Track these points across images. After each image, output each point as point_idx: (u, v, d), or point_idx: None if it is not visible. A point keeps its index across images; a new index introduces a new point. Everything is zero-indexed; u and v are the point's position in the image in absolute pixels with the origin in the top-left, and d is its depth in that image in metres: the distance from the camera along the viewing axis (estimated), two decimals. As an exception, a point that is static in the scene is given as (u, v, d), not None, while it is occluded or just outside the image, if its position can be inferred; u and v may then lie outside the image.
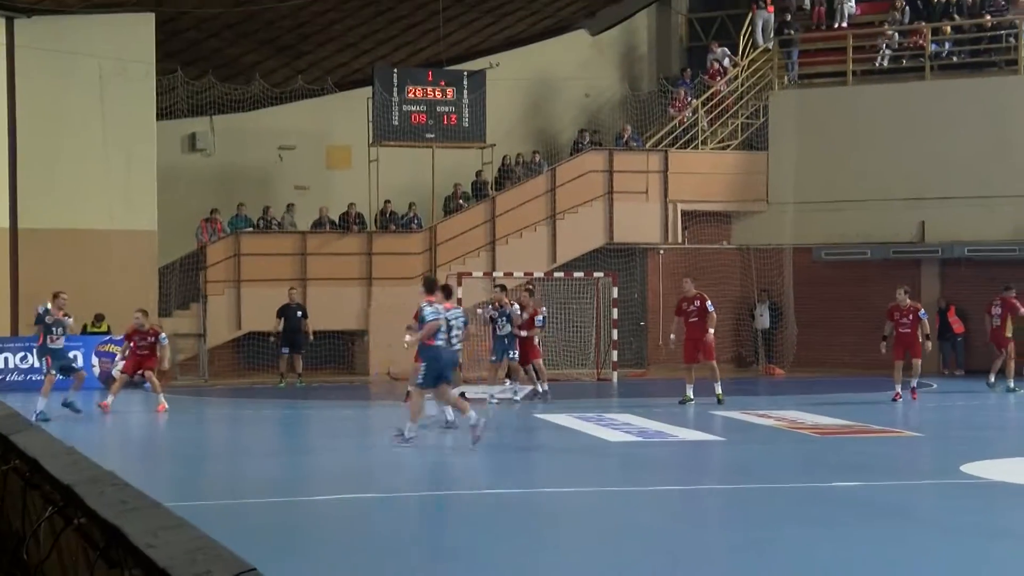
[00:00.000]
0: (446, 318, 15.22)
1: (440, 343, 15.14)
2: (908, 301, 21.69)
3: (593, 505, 11.65)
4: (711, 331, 20.68)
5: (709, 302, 20.89)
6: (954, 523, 10.58)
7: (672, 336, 21.40)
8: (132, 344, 20.34)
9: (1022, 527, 10.44)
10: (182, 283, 27.69)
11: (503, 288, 22.68)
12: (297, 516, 10.95)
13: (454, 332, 15.49)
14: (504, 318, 21.32)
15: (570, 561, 9.20)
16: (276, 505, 11.46)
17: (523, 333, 21.60)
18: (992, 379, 23.32)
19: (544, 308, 23.52)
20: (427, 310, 15.15)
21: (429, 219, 28.94)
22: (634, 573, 8.85)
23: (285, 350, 25.72)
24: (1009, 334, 23.33)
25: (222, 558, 2.95)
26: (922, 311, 21.79)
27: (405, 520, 10.79)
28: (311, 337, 26.15)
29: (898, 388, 21.35)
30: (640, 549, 9.60)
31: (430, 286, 15.84)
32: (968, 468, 13.31)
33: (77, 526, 3.67)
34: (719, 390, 20.52)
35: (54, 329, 19.36)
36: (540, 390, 21.96)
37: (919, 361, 21.42)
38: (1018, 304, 23.38)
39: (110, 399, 19.75)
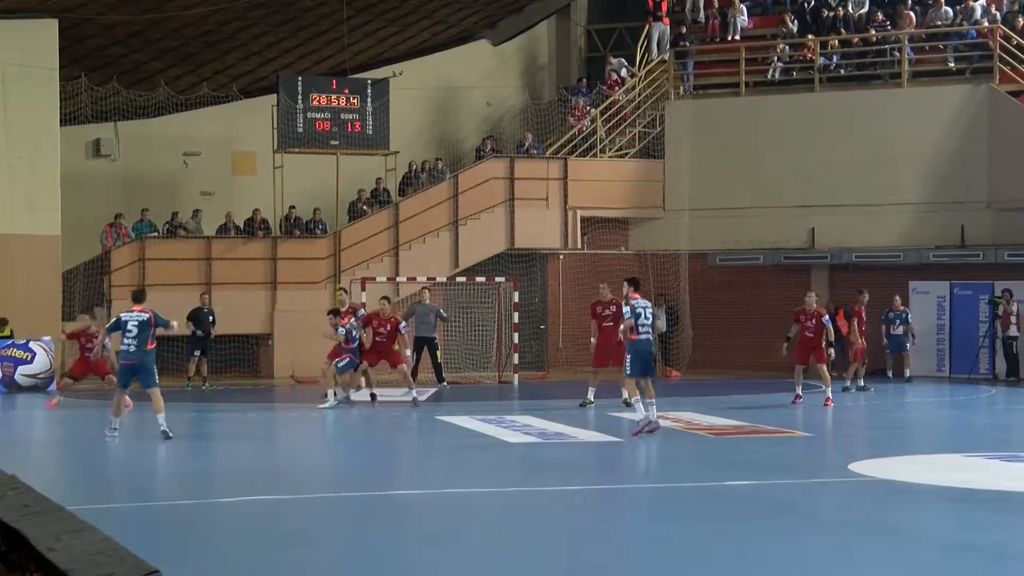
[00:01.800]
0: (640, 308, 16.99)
1: (643, 335, 16.91)
2: (815, 305, 21.85)
3: (493, 505, 11.67)
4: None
5: (624, 307, 20.57)
6: (841, 519, 10.77)
7: (593, 339, 20.98)
8: (79, 346, 20.84)
9: (904, 522, 10.66)
10: (86, 288, 27.26)
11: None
12: (205, 517, 10.83)
13: (641, 320, 16.98)
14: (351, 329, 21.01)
15: (467, 561, 9.21)
16: (182, 507, 11.33)
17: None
18: (848, 383, 24.18)
19: (404, 323, 22.92)
20: (626, 308, 17.11)
21: (334, 225, 28.81)
22: (532, 573, 8.88)
23: (196, 353, 25.44)
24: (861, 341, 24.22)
25: (125, 561, 2.92)
26: (826, 317, 21.91)
27: (307, 521, 10.73)
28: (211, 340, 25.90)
29: (798, 390, 21.53)
30: (540, 549, 9.64)
31: (635, 284, 17.86)
32: (856, 467, 13.56)
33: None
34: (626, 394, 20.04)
35: None
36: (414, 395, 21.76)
37: (824, 367, 21.52)
38: (861, 310, 24.44)
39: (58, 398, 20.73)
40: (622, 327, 17.28)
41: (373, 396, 21.37)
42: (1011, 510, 11.25)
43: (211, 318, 25.52)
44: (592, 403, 20.44)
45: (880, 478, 12.94)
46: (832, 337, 21.87)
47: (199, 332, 25.28)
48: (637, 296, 17.42)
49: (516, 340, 27.08)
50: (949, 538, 9.88)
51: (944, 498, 11.90)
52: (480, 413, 19.58)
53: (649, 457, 15.38)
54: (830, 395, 21.31)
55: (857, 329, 24.14)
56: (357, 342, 21.18)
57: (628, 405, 19.48)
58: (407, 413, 20.34)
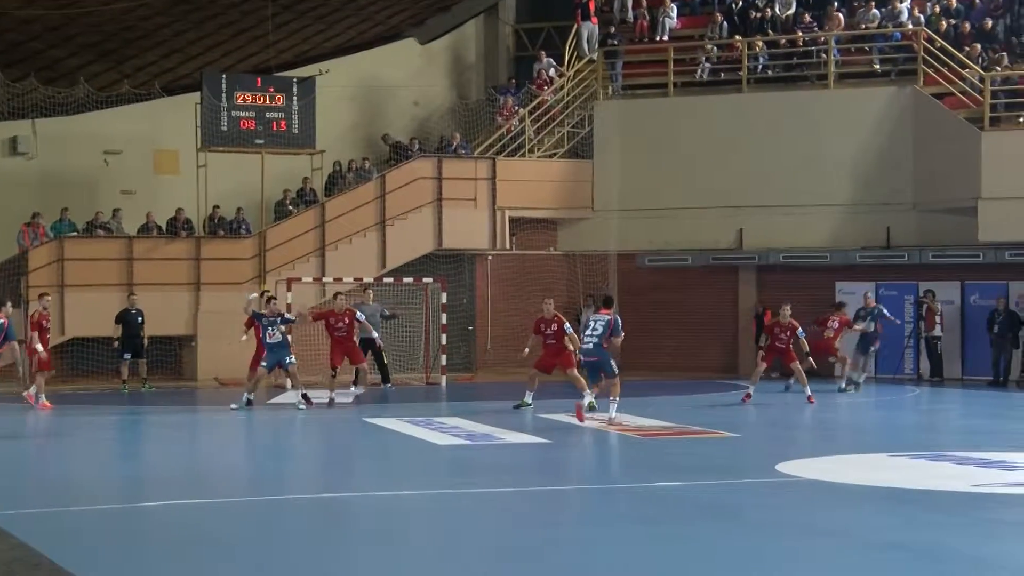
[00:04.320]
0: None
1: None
2: (789, 319, 22.28)
3: (421, 508, 11.62)
4: (578, 351, 19.98)
5: (567, 324, 20.51)
6: (769, 519, 10.84)
7: (526, 350, 20.80)
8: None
9: (833, 522, 10.75)
10: (2, 288, 26.78)
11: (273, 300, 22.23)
12: (125, 523, 10.67)
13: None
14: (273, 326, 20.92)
15: (395, 564, 9.16)
16: (102, 512, 11.15)
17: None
18: (843, 384, 24.29)
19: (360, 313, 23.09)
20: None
21: (259, 224, 28.56)
22: (457, 574, 8.85)
23: (127, 355, 25.11)
24: (838, 344, 24.42)
25: (41, 567, 2.85)
26: (800, 330, 22.31)
27: (229, 526, 10.61)
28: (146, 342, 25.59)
29: (750, 389, 21.90)
30: (467, 552, 9.61)
31: (608, 302, 20.08)
32: (783, 467, 13.66)
33: None
34: (590, 399, 19.37)
35: None
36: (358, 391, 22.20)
37: (797, 364, 22.02)
38: (849, 319, 24.55)
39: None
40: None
41: (306, 397, 21.05)
42: (938, 509, 11.38)
43: (140, 319, 25.22)
44: (529, 405, 20.43)
45: (807, 478, 13.05)
46: (807, 348, 22.52)
47: (127, 334, 24.99)
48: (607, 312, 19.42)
49: (444, 341, 27.02)
50: (878, 538, 9.98)
51: (871, 497, 12.02)
52: (408, 415, 19.50)
53: (579, 459, 15.38)
54: (810, 393, 21.84)
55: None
56: (281, 339, 20.93)
57: (593, 409, 19.35)
58: (335, 416, 20.21)
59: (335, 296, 22.97)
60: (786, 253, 28.64)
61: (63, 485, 13.15)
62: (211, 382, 26.43)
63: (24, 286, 26.54)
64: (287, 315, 21.71)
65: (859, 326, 24.67)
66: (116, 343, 25.15)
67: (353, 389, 22.85)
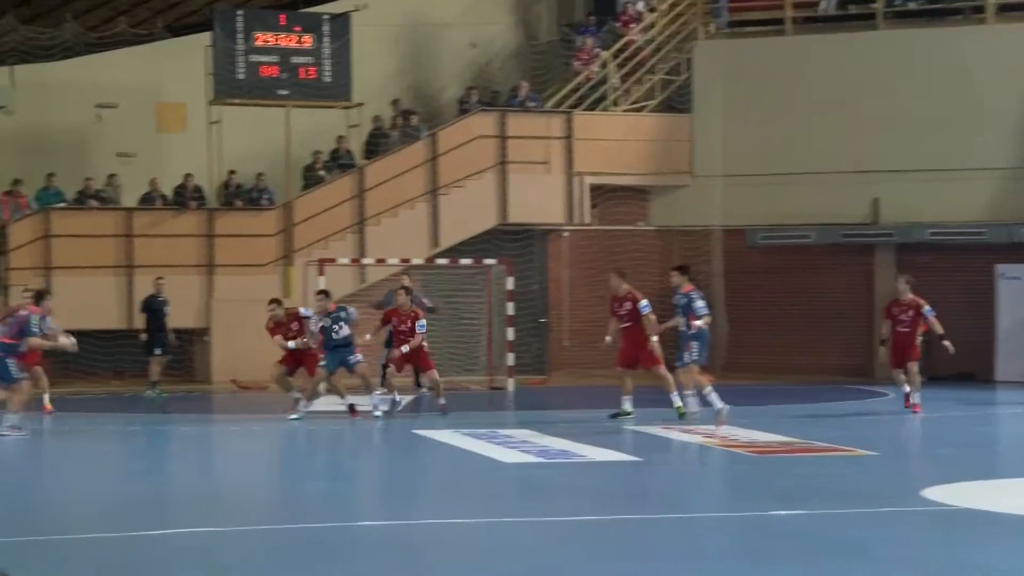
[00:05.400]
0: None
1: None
2: (910, 295, 21.85)
3: (482, 539, 11.61)
4: (654, 339, 20.30)
5: (643, 302, 20.48)
6: (912, 558, 10.70)
7: (608, 338, 21.03)
8: None
9: (991, 562, 10.60)
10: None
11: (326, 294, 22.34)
12: (127, 553, 10.77)
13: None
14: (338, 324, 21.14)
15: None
16: (98, 541, 11.26)
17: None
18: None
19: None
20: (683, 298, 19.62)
21: (283, 194, 28.71)
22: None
23: (158, 351, 25.38)
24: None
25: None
26: (926, 307, 21.76)
27: (247, 558, 10.65)
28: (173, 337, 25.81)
29: (906, 392, 21.62)
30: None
31: (685, 271, 20.22)
32: (930, 493, 13.51)
33: None
34: (678, 402, 20.00)
35: None
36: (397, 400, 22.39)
37: (915, 365, 21.62)
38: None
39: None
40: (699, 322, 19.51)
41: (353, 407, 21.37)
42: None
43: (166, 309, 25.47)
44: (630, 414, 20.46)
45: (961, 507, 12.89)
46: (940, 330, 21.71)
47: (152, 326, 25.29)
48: (691, 288, 19.72)
49: (511, 337, 27.02)
50: (1050, 581, 9.83)
51: (1042, 532, 11.86)
52: (467, 427, 19.55)
53: (675, 481, 15.32)
54: (918, 400, 21.48)
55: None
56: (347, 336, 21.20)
57: (682, 417, 19.58)
58: (379, 428, 20.32)
59: (400, 291, 22.83)
60: (933, 228, 28.40)
61: (57, 510, 13.29)
62: (228, 385, 26.60)
63: (3, 268, 26.85)
64: (351, 309, 21.82)
65: None
66: (142, 336, 25.40)
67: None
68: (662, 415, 20.74)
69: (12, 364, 18.87)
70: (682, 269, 20.54)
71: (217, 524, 12.14)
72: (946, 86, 28.66)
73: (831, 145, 29.08)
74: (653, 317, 20.52)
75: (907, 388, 21.62)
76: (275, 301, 22.30)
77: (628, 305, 20.51)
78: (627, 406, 20.54)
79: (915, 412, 21.30)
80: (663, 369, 20.24)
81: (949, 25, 29.40)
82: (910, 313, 21.69)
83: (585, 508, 13.18)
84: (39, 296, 20.32)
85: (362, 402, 21.42)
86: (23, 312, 19.10)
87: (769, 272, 29.75)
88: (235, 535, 11.69)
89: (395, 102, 30.89)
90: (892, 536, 11.68)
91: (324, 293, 22.01)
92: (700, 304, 19.49)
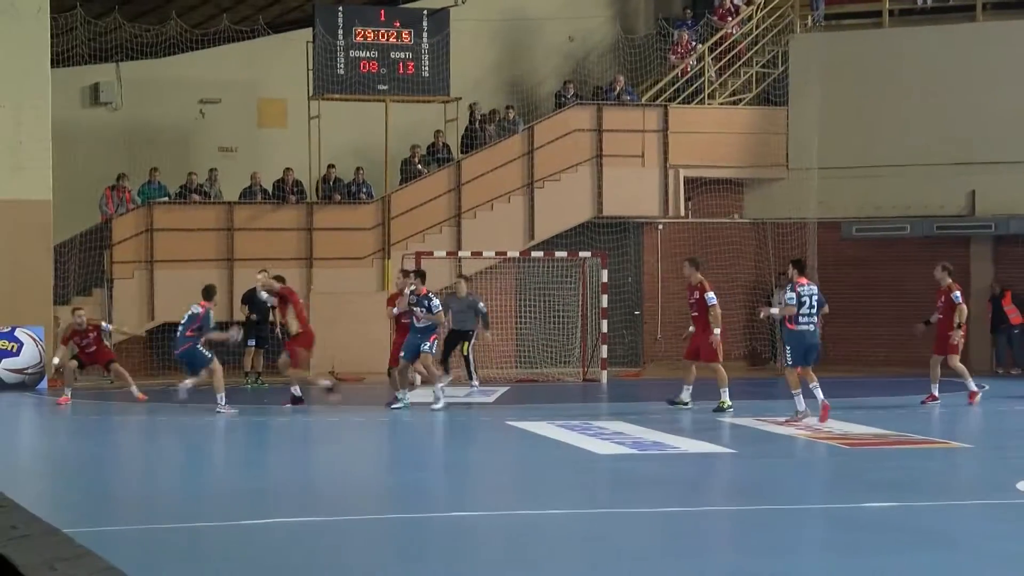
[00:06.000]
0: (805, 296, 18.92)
1: (803, 325, 18.95)
2: (948, 280, 21.68)
3: (578, 530, 11.69)
4: (716, 331, 20.39)
5: (710, 293, 20.55)
6: (1006, 552, 10.66)
7: (691, 327, 21.20)
8: (76, 347, 22.58)
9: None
10: (83, 264, 27.58)
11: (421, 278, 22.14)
12: (221, 541, 10.95)
13: (804, 309, 18.91)
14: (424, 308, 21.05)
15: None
16: (196, 530, 11.46)
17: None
18: None
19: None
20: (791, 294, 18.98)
21: (381, 188, 28.92)
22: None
23: (251, 343, 25.69)
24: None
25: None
26: (956, 293, 21.61)
27: (344, 547, 10.81)
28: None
29: (933, 389, 21.53)
30: (633, 583, 9.66)
31: (801, 267, 19.47)
32: (1025, 486, 13.43)
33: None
34: (724, 397, 20.32)
35: None
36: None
37: (956, 357, 21.44)
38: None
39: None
40: (775, 311, 19.88)
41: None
42: None
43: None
44: (686, 404, 20.67)
45: (1056, 501, 12.81)
46: (962, 317, 21.50)
47: (254, 317, 25.56)
48: (804, 281, 19.16)
49: (605, 329, 27.07)
50: None
51: None
52: (561, 418, 19.66)
53: (769, 472, 15.33)
54: (974, 387, 21.40)
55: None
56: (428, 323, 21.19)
57: (723, 411, 19.66)
58: (472, 418, 20.45)
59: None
60: (1030, 220, 28.12)
61: (154, 498, 13.54)
62: (326, 377, 26.79)
63: (108, 260, 27.23)
64: (436, 299, 21.67)
65: None
66: (239, 327, 25.64)
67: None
68: (756, 408, 20.75)
69: (200, 350, 20.87)
70: (692, 261, 21.14)
71: (321, 514, 12.32)
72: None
73: (927, 137, 28.88)
74: (719, 310, 20.54)
75: (935, 387, 21.52)
76: (407, 273, 22.17)
77: (696, 295, 20.56)
78: (684, 396, 20.62)
79: (970, 402, 21.28)
80: (718, 366, 20.35)
81: (1048, 16, 29.09)
82: (943, 300, 21.62)
83: (678, 499, 13.24)
84: (208, 292, 21.51)
85: (424, 394, 21.60)
86: (198, 309, 20.96)
87: (863, 265, 29.60)
88: (328, 525, 11.84)
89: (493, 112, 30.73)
90: (984, 529, 11.64)
91: (418, 275, 21.84)
92: (788, 295, 19.19)
